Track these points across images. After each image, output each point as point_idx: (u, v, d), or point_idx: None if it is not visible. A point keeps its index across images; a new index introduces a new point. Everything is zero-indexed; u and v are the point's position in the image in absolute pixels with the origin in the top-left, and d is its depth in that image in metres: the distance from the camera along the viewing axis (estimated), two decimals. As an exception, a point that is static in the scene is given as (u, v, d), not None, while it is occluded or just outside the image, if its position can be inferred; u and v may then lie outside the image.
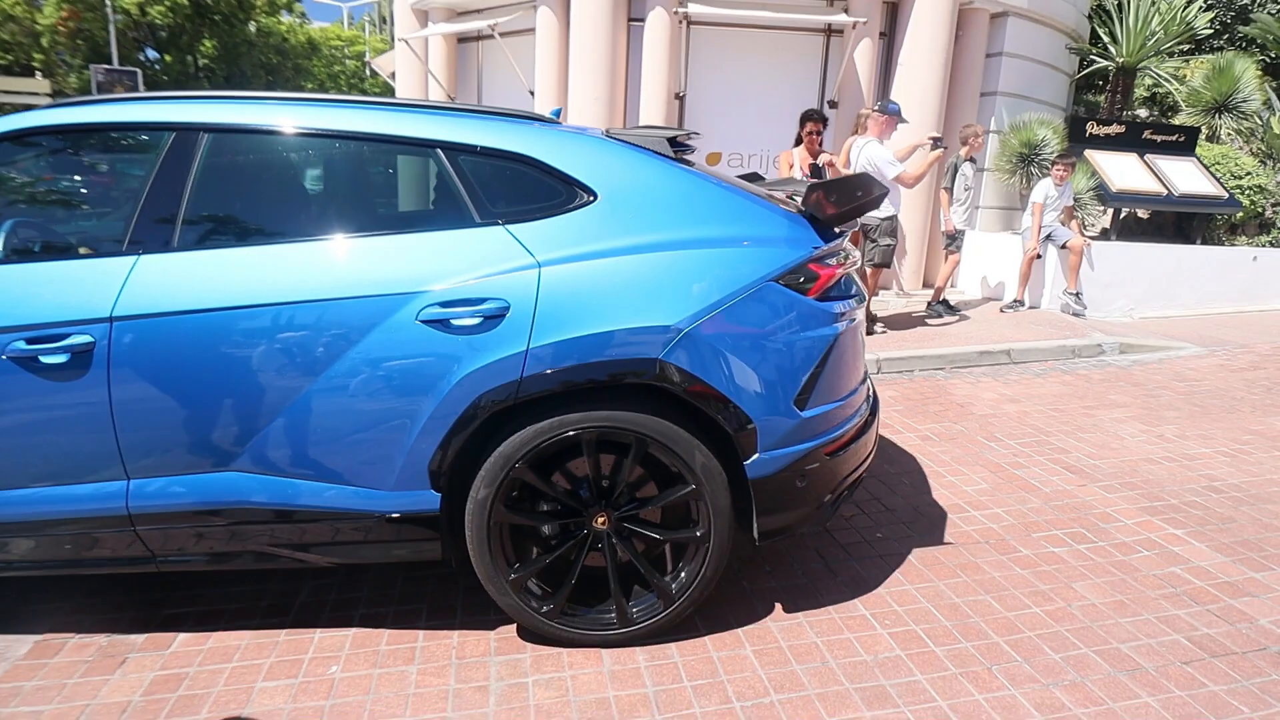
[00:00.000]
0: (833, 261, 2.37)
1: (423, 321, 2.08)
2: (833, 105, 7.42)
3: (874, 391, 2.84)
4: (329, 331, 2.09)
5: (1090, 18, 9.53)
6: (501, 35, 7.98)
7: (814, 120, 6.09)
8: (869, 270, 6.25)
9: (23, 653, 2.35)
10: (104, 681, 2.22)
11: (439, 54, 8.87)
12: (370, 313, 2.08)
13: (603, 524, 2.29)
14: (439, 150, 2.25)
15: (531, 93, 7.77)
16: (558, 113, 2.93)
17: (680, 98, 7.49)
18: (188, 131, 2.22)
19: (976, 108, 8.01)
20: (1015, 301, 7.23)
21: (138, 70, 25.77)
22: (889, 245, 6.13)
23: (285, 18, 33.93)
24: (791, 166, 6.21)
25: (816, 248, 2.30)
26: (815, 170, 5.91)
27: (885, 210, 6.11)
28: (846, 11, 7.25)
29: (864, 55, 7.29)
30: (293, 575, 2.75)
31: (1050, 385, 5.19)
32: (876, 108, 6.21)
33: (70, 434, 2.13)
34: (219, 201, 2.25)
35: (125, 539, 2.21)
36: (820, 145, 6.23)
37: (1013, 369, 5.57)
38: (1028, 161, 7.78)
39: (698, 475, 2.21)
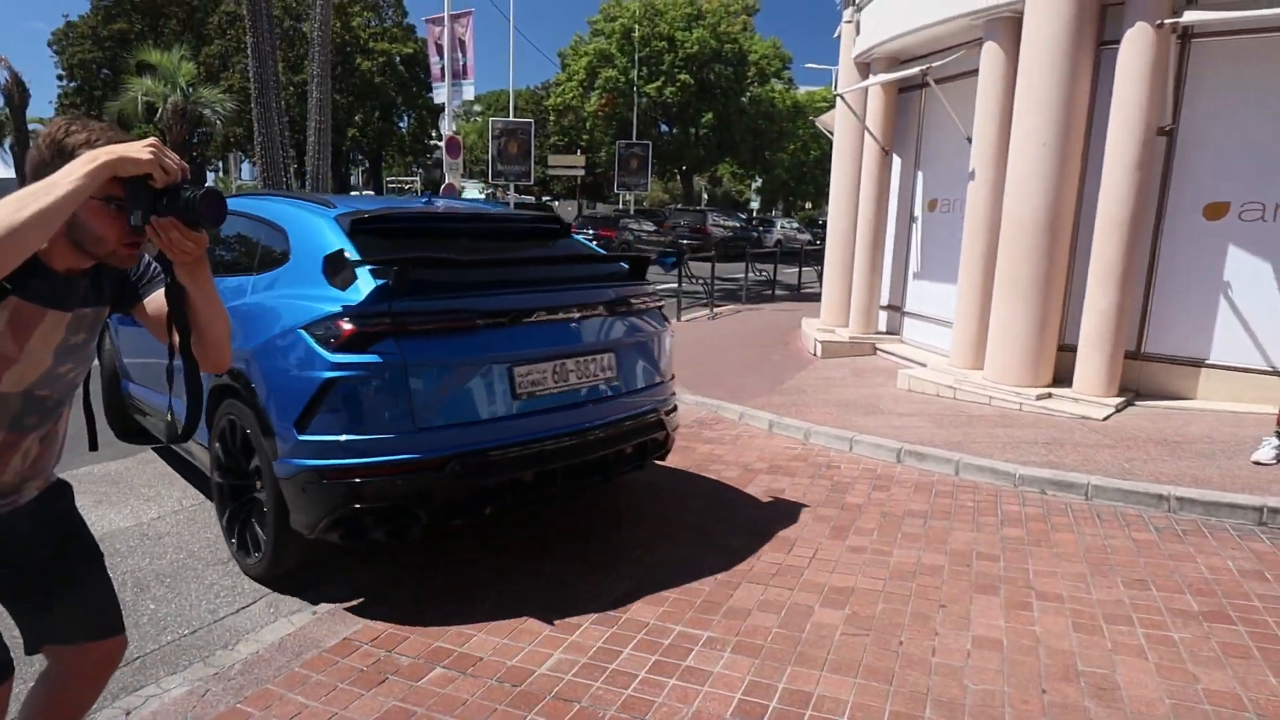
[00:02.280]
0: (363, 323, 2.83)
1: None
2: None
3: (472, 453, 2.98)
4: None
5: None
6: (936, 81, 7.41)
7: None
8: None
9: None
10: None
11: (877, 106, 8.64)
12: None
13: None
14: (264, 225, 3.61)
15: (969, 139, 7.02)
16: (429, 198, 4.40)
17: (1167, 132, 5.96)
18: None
19: None
20: None
21: (649, 142, 30.97)
22: None
23: (776, 85, 37.34)
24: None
25: (346, 307, 2.85)
26: None
27: None
28: None
29: None
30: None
31: None
32: None
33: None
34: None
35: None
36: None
37: None
38: None
39: (265, 458, 3.03)
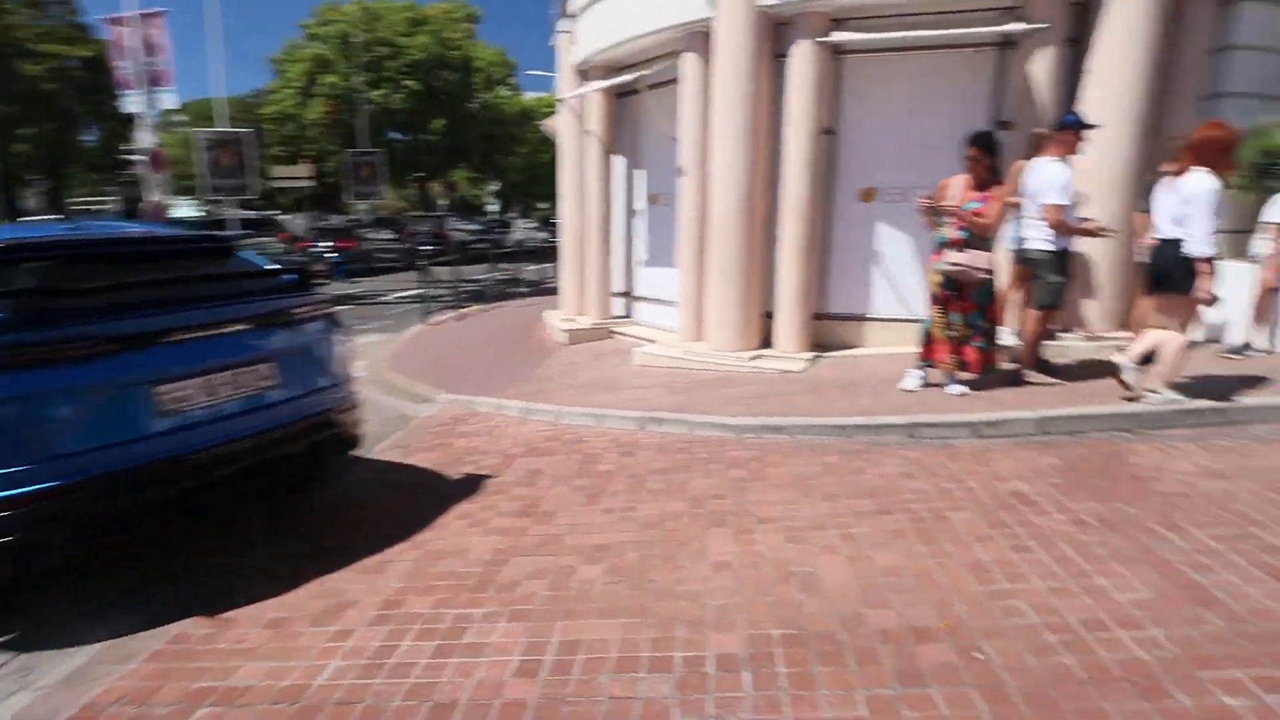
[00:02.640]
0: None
1: None
2: (1005, 126, 6.49)
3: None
4: None
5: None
6: (649, 87, 7.96)
7: (973, 144, 5.23)
8: (1037, 314, 5.28)
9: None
10: None
11: (597, 111, 9.03)
12: None
13: None
14: None
15: (674, 139, 7.64)
16: (77, 225, 4.09)
17: (829, 132, 6.95)
18: None
19: (1192, 113, 6.62)
20: (1243, 346, 5.79)
21: (381, 150, 29.42)
22: (1057, 283, 5.15)
23: (503, 91, 37.27)
24: (944, 198, 5.39)
25: None
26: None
27: (1051, 242, 5.15)
28: (1025, 20, 6.33)
29: (1044, 66, 6.31)
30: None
31: (1277, 456, 3.99)
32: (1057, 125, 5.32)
33: None
34: None
35: None
36: (988, 172, 5.31)
37: (1226, 432, 4.37)
38: (1266, 174, 6.28)
39: None
